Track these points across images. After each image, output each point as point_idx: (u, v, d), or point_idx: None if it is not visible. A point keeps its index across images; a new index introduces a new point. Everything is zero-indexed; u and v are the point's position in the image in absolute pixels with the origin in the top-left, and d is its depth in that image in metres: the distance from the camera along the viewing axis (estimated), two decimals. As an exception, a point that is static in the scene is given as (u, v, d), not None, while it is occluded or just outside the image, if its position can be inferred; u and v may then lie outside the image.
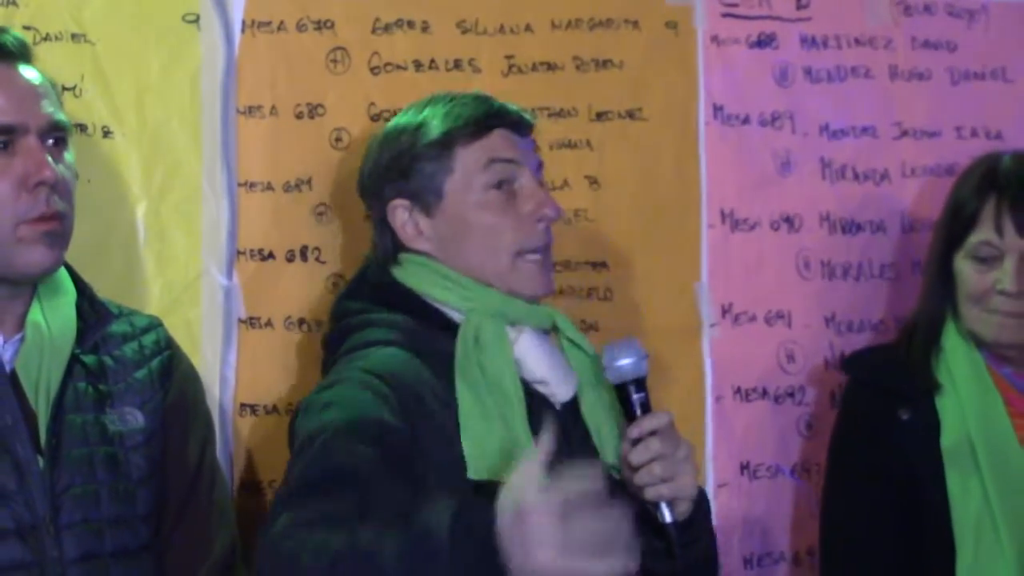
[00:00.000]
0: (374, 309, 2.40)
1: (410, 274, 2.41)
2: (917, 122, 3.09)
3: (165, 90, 2.71)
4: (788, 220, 3.03)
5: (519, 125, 2.44)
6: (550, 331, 2.45)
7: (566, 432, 2.32)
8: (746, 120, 3.01)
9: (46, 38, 2.64)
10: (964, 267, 2.70)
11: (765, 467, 3.00)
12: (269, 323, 2.77)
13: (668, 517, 2.25)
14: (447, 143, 2.39)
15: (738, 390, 2.99)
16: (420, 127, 2.42)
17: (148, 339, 2.39)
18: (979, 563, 2.61)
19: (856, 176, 3.06)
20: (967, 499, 2.64)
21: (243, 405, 2.74)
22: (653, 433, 2.25)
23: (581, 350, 2.46)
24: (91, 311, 2.34)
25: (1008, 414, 2.68)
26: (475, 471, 2.25)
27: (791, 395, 3.02)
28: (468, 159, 2.39)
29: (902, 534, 2.69)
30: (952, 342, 2.73)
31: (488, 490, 2.12)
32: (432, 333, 2.36)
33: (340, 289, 2.74)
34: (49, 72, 2.40)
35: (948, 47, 3.11)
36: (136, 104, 2.69)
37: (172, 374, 2.38)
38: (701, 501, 2.32)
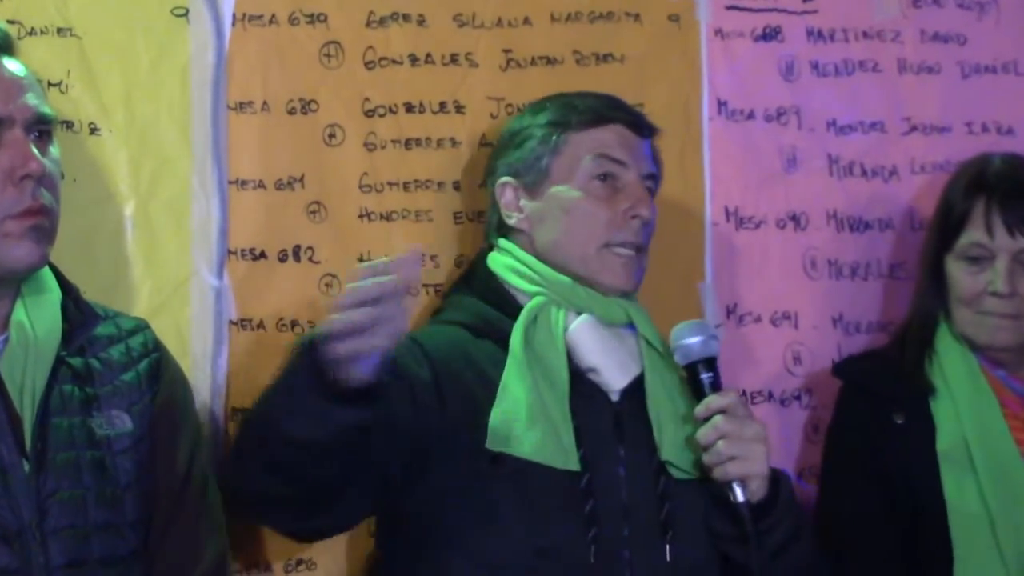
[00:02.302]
0: (464, 291, 2.54)
1: (497, 258, 2.54)
2: (927, 117, 3.09)
3: (154, 86, 2.71)
4: (794, 218, 3.03)
5: (638, 125, 2.55)
6: (625, 327, 2.52)
7: (619, 423, 2.43)
8: (751, 115, 3.02)
9: (31, 32, 2.64)
10: (955, 269, 2.74)
11: (771, 472, 2.97)
12: (261, 325, 2.76)
13: (740, 496, 2.31)
14: (561, 125, 2.52)
15: (743, 393, 2.97)
16: (541, 111, 2.56)
17: (135, 341, 2.38)
18: (977, 567, 2.64)
19: (864, 173, 3.06)
20: (964, 502, 2.66)
21: (235, 410, 2.72)
22: (722, 412, 2.33)
23: (655, 350, 2.51)
24: (76, 312, 2.32)
25: (1004, 416, 2.71)
26: (493, 442, 2.34)
27: (797, 398, 3.02)
28: (578, 145, 2.51)
29: (899, 540, 2.71)
30: (945, 344, 2.77)
31: (505, 461, 2.28)
32: (502, 321, 2.47)
33: (332, 290, 2.79)
34: (34, 67, 2.40)
35: (958, 40, 3.11)
36: (124, 100, 2.69)
37: (160, 377, 2.38)
38: (780, 485, 2.37)
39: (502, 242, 2.57)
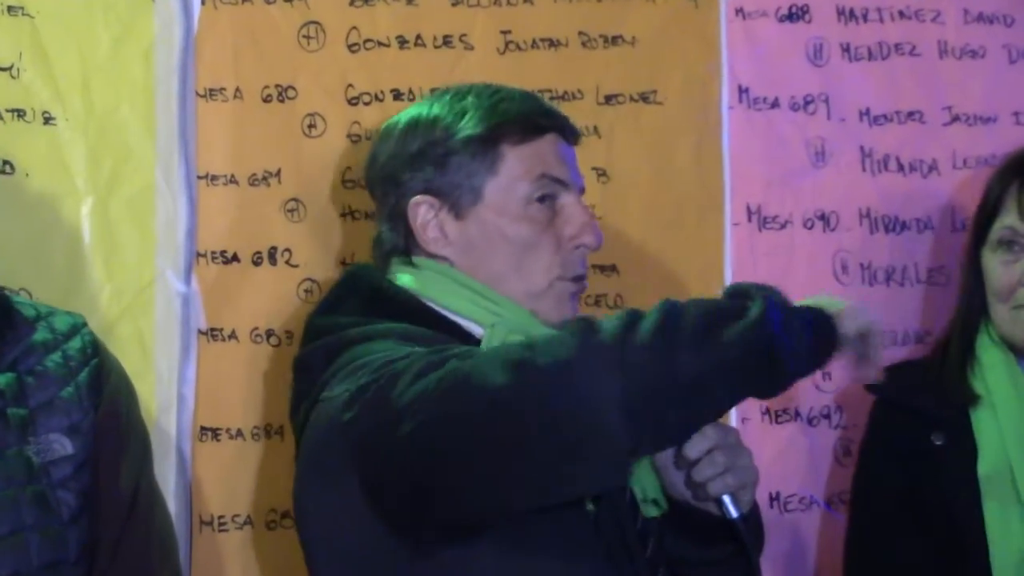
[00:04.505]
0: (372, 321, 2.33)
1: (427, 281, 2.37)
2: (969, 106, 3.08)
3: (114, 70, 2.69)
4: (823, 217, 3.01)
5: (568, 131, 2.45)
6: None
7: None
8: (775, 104, 3.00)
9: (-23, 11, 2.65)
10: (990, 261, 2.73)
11: (797, 498, 2.99)
12: (233, 335, 2.74)
13: (734, 512, 2.25)
14: (493, 139, 2.37)
15: (766, 411, 2.97)
16: (460, 116, 2.40)
17: (73, 346, 2.32)
18: None
19: (900, 167, 3.05)
20: (1007, 533, 2.64)
21: (203, 429, 2.71)
22: None
23: None
24: (6, 324, 2.27)
25: None
26: None
27: (826, 416, 2.99)
28: (516, 163, 2.38)
29: (933, 568, 2.69)
30: (988, 354, 2.74)
31: None
32: (456, 342, 2.30)
33: (312, 296, 2.77)
34: (-18, 50, 2.41)
35: (1004, 21, 3.10)
36: (81, 86, 2.67)
37: (102, 387, 2.32)
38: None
39: (430, 263, 2.40)
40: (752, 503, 2.29)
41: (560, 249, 2.37)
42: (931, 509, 2.68)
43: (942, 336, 2.84)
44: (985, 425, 2.70)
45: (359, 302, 2.38)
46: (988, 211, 2.73)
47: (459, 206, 2.37)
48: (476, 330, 2.33)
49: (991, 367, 2.72)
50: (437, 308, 2.35)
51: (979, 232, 2.75)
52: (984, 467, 2.66)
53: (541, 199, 2.38)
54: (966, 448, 2.69)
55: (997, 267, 2.71)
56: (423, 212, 2.38)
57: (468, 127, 2.37)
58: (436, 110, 2.42)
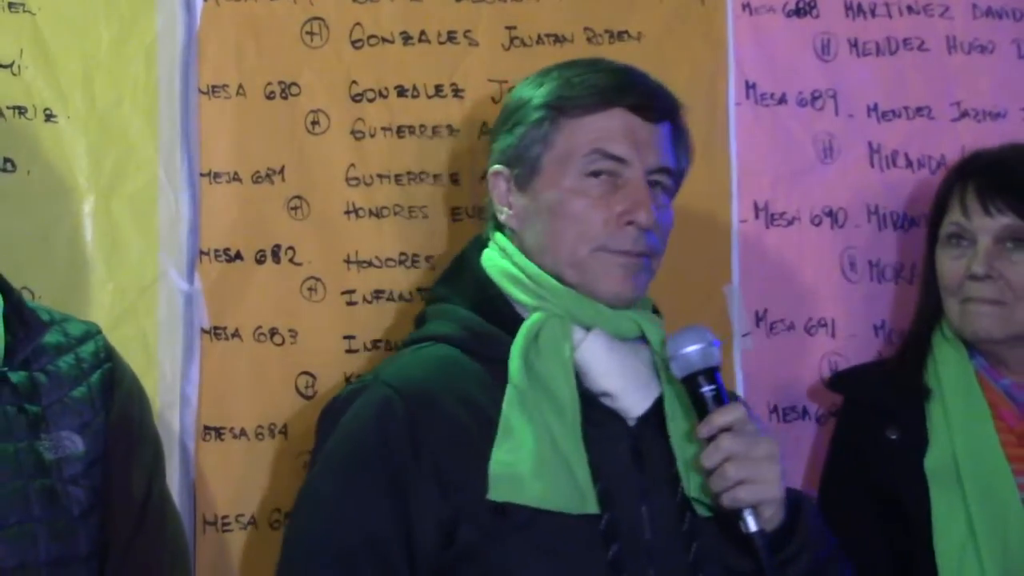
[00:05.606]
0: (453, 298, 2.41)
1: (493, 259, 2.42)
2: (979, 101, 3.07)
3: (116, 67, 2.69)
4: (831, 214, 3.01)
5: (652, 110, 2.40)
6: (637, 341, 2.41)
7: (638, 451, 2.34)
8: (783, 100, 3.00)
9: (-24, 7, 2.63)
10: (940, 257, 2.76)
11: (805, 499, 2.93)
12: (236, 334, 2.74)
13: (752, 526, 2.22)
14: (555, 109, 2.38)
15: (774, 409, 2.97)
16: (538, 87, 2.42)
17: (86, 350, 2.32)
18: None
19: (909, 163, 3.04)
20: (951, 524, 2.66)
21: (207, 428, 2.71)
22: (728, 430, 2.24)
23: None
24: (19, 322, 2.27)
25: (997, 429, 2.70)
26: (497, 492, 2.23)
27: (834, 415, 2.96)
28: (573, 134, 2.38)
29: (889, 562, 2.72)
30: (941, 349, 2.77)
31: (513, 512, 2.22)
32: (499, 335, 2.34)
33: (316, 294, 2.78)
34: (-18, 47, 2.39)
35: (1014, 15, 3.09)
36: (83, 83, 2.67)
37: (114, 390, 2.32)
38: (800, 510, 2.30)
39: (498, 237, 2.44)
40: (779, 520, 2.24)
41: (608, 224, 2.34)
42: (885, 500, 2.71)
43: (905, 334, 2.85)
44: (936, 419, 2.72)
45: (456, 276, 2.45)
46: (938, 210, 2.76)
47: (521, 177, 2.40)
48: (526, 313, 2.36)
49: (943, 362, 2.75)
50: (500, 289, 2.38)
51: (932, 230, 2.78)
52: (931, 461, 2.68)
53: (596, 174, 2.36)
54: (918, 443, 2.71)
55: (946, 262, 2.73)
56: (500, 184, 2.42)
57: (537, 97, 2.39)
58: (526, 83, 2.45)
